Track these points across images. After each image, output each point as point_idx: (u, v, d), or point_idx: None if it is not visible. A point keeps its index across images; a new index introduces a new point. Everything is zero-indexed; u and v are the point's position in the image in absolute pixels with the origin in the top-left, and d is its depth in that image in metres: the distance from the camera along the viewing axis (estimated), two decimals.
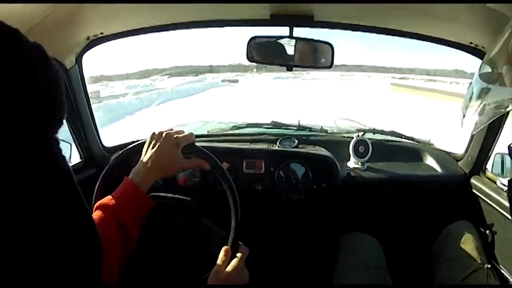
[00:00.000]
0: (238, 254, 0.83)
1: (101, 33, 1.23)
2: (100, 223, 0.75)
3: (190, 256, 0.93)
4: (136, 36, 1.30)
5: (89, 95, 1.38)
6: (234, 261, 0.81)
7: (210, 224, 0.92)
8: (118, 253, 0.76)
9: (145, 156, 0.85)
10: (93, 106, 1.41)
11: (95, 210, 0.78)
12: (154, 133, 0.88)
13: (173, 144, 0.85)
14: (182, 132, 0.89)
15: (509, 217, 1.10)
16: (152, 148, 0.85)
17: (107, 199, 0.79)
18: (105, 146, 1.46)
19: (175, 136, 0.86)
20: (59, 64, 1.19)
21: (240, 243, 0.86)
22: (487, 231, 1.24)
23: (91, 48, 1.29)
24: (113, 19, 1.17)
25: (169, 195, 0.92)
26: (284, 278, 1.44)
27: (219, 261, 0.81)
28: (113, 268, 0.74)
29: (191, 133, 0.89)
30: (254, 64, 1.32)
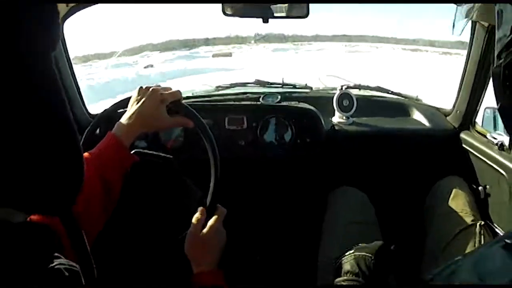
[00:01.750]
0: (215, 216, 0.83)
1: None
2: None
3: (170, 213, 0.92)
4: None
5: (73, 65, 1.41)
6: (210, 222, 0.82)
7: (191, 183, 0.92)
8: (100, 204, 0.76)
9: (130, 111, 0.86)
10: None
11: None
12: (141, 88, 0.89)
13: (159, 100, 0.85)
14: (170, 89, 0.90)
15: (501, 171, 1.06)
16: (137, 102, 0.86)
17: (90, 153, 0.79)
18: (90, 113, 1.47)
19: (161, 92, 0.87)
20: None
21: (218, 205, 0.86)
22: (479, 187, 1.19)
23: (72, 14, 1.32)
24: None
25: (152, 152, 0.91)
26: (271, 236, 1.40)
27: (194, 221, 0.82)
28: (95, 218, 0.74)
29: (178, 91, 0.90)
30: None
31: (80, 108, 1.42)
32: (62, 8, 1.27)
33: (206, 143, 0.87)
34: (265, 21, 1.27)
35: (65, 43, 1.35)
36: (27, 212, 0.38)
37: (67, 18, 1.33)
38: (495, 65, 0.45)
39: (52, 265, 0.37)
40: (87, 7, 1.32)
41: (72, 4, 1.28)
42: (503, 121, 0.49)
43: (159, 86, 0.89)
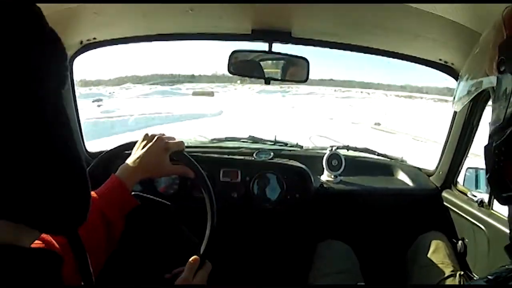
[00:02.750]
0: (203, 269, 0.85)
1: (94, 38, 1.32)
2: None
3: (165, 257, 0.94)
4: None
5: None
6: (201, 273, 0.84)
7: (186, 230, 0.96)
8: (102, 244, 0.77)
9: (134, 155, 0.89)
10: None
11: None
12: (147, 134, 0.92)
13: (163, 148, 0.89)
14: (173, 138, 0.94)
15: (480, 225, 1.15)
16: (142, 148, 0.89)
17: (93, 194, 0.81)
18: (88, 151, 1.50)
19: (166, 141, 0.90)
20: None
21: (206, 260, 0.88)
22: (459, 241, 1.28)
23: (83, 52, 1.36)
24: (107, 25, 1.26)
25: (152, 196, 0.95)
26: (261, 284, 1.44)
27: (187, 268, 0.83)
28: (97, 257, 0.75)
29: (182, 141, 0.93)
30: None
31: (80, 146, 1.45)
32: (73, 45, 1.32)
33: (205, 194, 0.90)
34: (267, 82, 1.36)
35: (73, 81, 1.39)
36: (40, 229, 0.40)
37: (77, 56, 1.38)
38: (487, 143, 0.51)
39: None
40: (99, 46, 1.37)
41: (85, 42, 1.34)
42: (491, 190, 0.55)
43: (163, 134, 0.93)
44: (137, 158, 0.88)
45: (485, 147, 0.52)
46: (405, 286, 1.27)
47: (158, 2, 1.12)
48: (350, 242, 1.33)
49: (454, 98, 0.71)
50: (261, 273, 1.45)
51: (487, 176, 0.53)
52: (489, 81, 0.53)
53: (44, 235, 0.59)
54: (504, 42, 0.49)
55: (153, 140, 0.90)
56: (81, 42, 1.33)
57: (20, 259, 0.36)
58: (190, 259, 0.85)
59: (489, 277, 0.51)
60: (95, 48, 1.37)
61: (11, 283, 0.34)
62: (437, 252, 1.25)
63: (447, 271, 1.17)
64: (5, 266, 0.34)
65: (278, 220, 1.41)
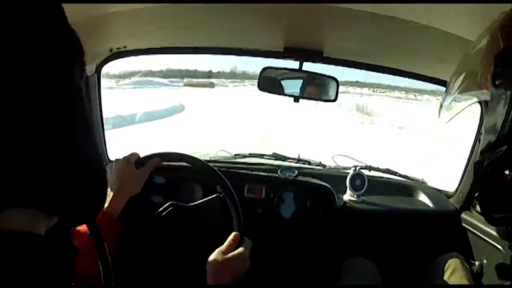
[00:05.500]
0: (244, 245, 0.91)
1: (124, 47, 1.31)
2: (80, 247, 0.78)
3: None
4: None
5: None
6: (240, 248, 0.89)
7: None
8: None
9: (110, 184, 0.96)
10: None
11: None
12: (111, 162, 1.01)
13: (125, 164, 0.99)
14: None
15: (498, 246, 1.16)
16: (113, 175, 0.98)
17: (84, 227, 0.84)
18: (110, 159, 1.49)
19: (123, 158, 1.01)
20: None
21: (245, 237, 0.94)
22: (476, 262, 1.29)
23: (112, 60, 1.35)
24: (139, 35, 1.26)
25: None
26: None
27: (226, 243, 0.89)
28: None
29: (133, 152, 1.04)
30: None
31: (103, 152, 1.44)
32: (102, 52, 1.32)
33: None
34: (296, 100, 1.36)
35: (100, 87, 1.38)
36: (59, 215, 0.40)
37: (105, 63, 1.37)
38: (477, 159, 0.48)
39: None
40: (128, 56, 1.36)
41: (115, 50, 1.33)
42: (482, 210, 0.52)
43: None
44: (112, 185, 0.96)
45: (475, 163, 0.50)
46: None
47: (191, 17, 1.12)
48: (374, 260, 1.34)
49: (440, 107, 0.67)
50: None
51: (476, 195, 0.52)
52: (482, 94, 0.49)
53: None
54: (501, 52, 0.45)
55: (114, 164, 1.01)
56: (111, 50, 1.32)
57: (34, 246, 0.36)
58: (231, 236, 0.91)
59: None
60: (123, 57, 1.36)
61: (22, 269, 0.34)
62: (454, 274, 1.25)
63: None
64: (19, 253, 0.34)
65: (302, 237, 1.40)
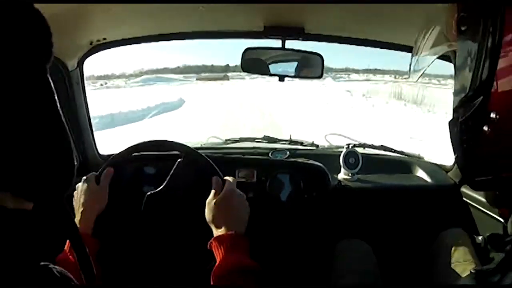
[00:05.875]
0: (227, 183, 0.91)
1: (104, 39, 1.30)
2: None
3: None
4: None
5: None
6: (225, 187, 0.89)
7: None
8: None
9: (75, 206, 0.99)
10: None
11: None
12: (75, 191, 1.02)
13: (84, 184, 1.00)
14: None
15: (500, 219, 1.12)
16: (76, 197, 1.00)
17: (64, 253, 0.85)
18: (100, 154, 1.48)
19: (82, 180, 1.02)
20: (61, 65, 1.25)
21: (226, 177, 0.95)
22: (480, 237, 1.24)
23: (93, 53, 1.35)
24: (117, 26, 1.24)
25: None
26: (279, 285, 1.40)
27: (211, 193, 0.90)
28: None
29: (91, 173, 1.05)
30: None
31: (92, 147, 1.43)
32: (83, 46, 1.31)
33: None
34: (281, 79, 1.33)
35: (83, 81, 1.37)
36: (24, 197, 0.42)
37: (87, 57, 1.36)
38: (451, 118, 0.45)
39: (44, 264, 0.41)
40: (110, 47, 1.35)
41: (95, 43, 1.32)
42: (462, 174, 0.49)
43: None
44: (78, 206, 0.98)
45: (449, 122, 0.45)
46: (424, 285, 1.23)
47: (168, 2, 1.10)
48: (369, 241, 1.30)
49: (409, 70, 0.64)
50: (281, 272, 1.42)
51: (455, 156, 0.46)
52: (449, 45, 0.46)
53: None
54: None
55: (80, 186, 1.01)
56: (91, 43, 1.31)
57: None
58: (212, 183, 0.93)
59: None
60: (105, 49, 1.36)
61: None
62: (459, 250, 1.21)
63: (469, 268, 1.13)
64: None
65: (296, 219, 1.37)
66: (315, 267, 1.34)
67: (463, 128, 0.41)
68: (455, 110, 0.43)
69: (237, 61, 1.29)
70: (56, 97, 0.43)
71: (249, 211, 0.89)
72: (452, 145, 0.45)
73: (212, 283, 0.75)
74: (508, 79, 0.37)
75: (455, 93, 0.43)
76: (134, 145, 1.11)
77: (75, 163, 0.46)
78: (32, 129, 0.39)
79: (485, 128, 0.39)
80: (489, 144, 0.39)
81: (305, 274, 1.39)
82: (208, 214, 0.86)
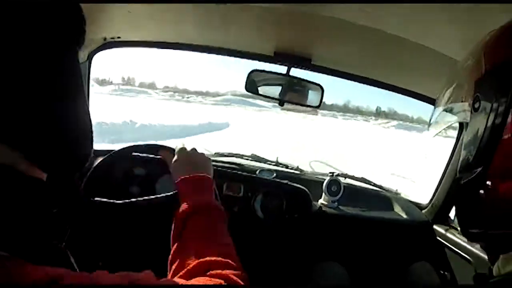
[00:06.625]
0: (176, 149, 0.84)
1: (118, 37, 1.32)
2: None
3: None
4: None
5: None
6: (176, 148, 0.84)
7: None
8: None
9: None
10: None
11: None
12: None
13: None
14: None
15: (468, 257, 1.22)
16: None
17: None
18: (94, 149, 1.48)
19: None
20: None
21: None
22: (446, 272, 1.35)
23: (105, 49, 1.36)
24: (134, 27, 1.27)
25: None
26: None
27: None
28: None
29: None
30: None
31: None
32: (95, 40, 1.32)
33: None
34: (281, 104, 1.41)
35: (89, 75, 1.38)
36: (39, 165, 0.43)
37: (97, 52, 1.37)
38: (456, 177, 0.51)
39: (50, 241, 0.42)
40: (123, 46, 1.38)
41: (108, 40, 1.34)
42: (459, 224, 0.54)
43: None
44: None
45: (454, 180, 0.54)
46: None
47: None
48: (344, 264, 1.38)
49: (429, 122, 0.68)
50: None
51: (455, 211, 0.55)
52: (464, 115, 0.51)
53: None
54: (481, 78, 0.47)
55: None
56: (105, 39, 1.33)
57: (13, 180, 0.39)
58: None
59: None
60: (117, 47, 1.38)
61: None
62: (425, 283, 1.32)
63: None
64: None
65: (276, 238, 1.43)
66: (291, 285, 1.39)
67: (464, 189, 0.49)
68: (460, 172, 0.50)
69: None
70: (82, 79, 0.47)
71: (211, 162, 0.83)
72: (455, 199, 0.53)
73: (174, 227, 0.70)
74: (503, 154, 0.43)
75: (461, 158, 0.50)
76: (135, 145, 1.14)
77: (92, 146, 0.50)
78: (59, 102, 0.42)
79: (481, 191, 0.46)
80: (483, 205, 0.46)
81: None
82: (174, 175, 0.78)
